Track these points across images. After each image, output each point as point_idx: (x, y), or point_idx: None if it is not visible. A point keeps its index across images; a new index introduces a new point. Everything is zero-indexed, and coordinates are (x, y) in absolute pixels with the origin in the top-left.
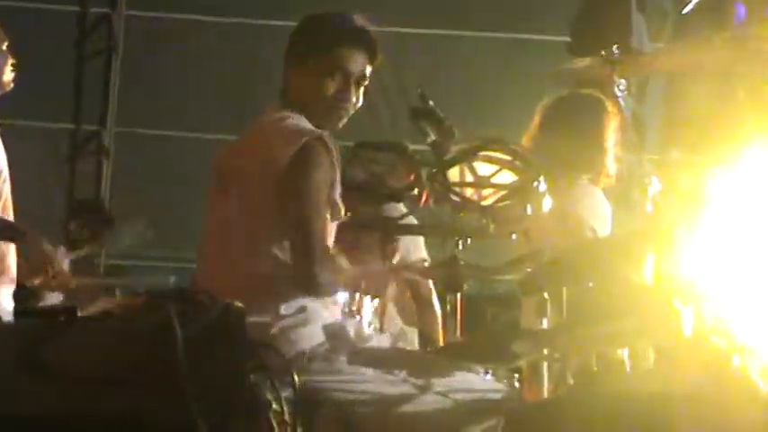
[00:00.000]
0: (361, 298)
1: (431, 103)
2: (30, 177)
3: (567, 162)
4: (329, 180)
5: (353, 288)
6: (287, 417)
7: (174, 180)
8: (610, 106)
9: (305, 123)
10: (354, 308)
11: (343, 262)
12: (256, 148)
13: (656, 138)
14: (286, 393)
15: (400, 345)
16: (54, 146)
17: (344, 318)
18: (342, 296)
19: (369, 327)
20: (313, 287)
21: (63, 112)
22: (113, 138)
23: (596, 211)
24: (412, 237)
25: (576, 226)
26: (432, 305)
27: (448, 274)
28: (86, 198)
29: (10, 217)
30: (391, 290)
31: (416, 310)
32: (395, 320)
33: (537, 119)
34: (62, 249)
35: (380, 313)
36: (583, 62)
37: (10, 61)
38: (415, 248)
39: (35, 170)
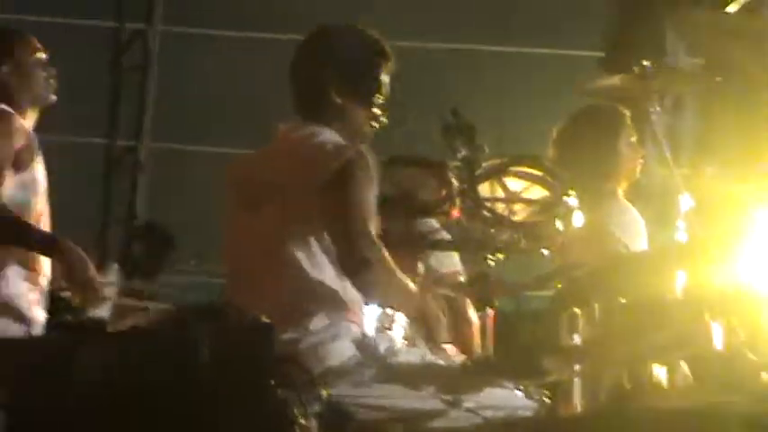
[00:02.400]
0: (393, 312)
1: (463, 118)
2: (66, 193)
3: (588, 175)
4: (374, 194)
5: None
6: None
7: (208, 195)
8: (625, 116)
9: (339, 138)
10: (387, 323)
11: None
12: (293, 163)
13: (692, 153)
14: (315, 409)
15: (430, 359)
16: (90, 161)
17: (376, 332)
18: (374, 310)
19: (401, 341)
20: (362, 267)
21: (99, 128)
22: (149, 153)
23: (629, 227)
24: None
25: (609, 242)
26: (467, 319)
27: (478, 289)
28: (147, 221)
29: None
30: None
31: (451, 323)
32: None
33: (555, 135)
34: (113, 266)
35: (415, 328)
36: (615, 78)
37: (47, 73)
38: (448, 262)
39: (71, 186)
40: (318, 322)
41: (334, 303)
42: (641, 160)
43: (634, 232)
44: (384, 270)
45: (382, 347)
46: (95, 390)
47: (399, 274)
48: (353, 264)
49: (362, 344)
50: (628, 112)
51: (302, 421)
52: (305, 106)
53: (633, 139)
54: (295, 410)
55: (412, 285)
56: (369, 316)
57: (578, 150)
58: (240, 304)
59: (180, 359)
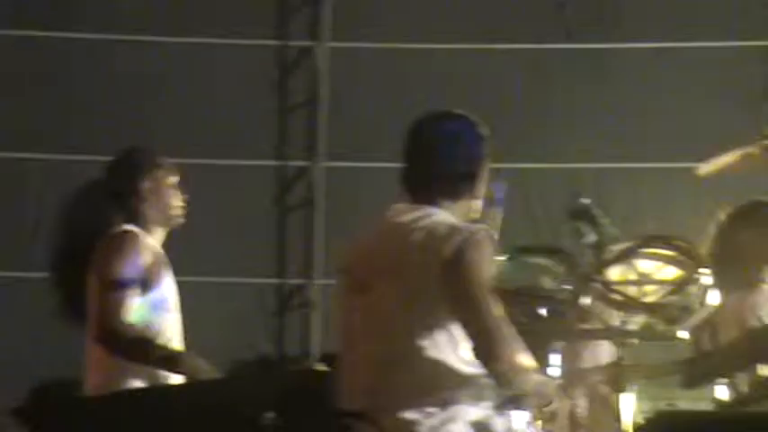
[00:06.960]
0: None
1: (589, 203)
2: (238, 330)
3: (751, 261)
4: (490, 271)
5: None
6: None
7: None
8: None
9: (451, 218)
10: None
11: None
12: (411, 245)
13: None
14: None
15: None
16: (261, 299)
17: (496, 414)
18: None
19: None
20: (495, 364)
21: (268, 268)
22: (320, 288)
23: None
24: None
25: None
26: (607, 405)
27: (612, 375)
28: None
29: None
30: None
31: (590, 409)
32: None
33: (725, 219)
34: None
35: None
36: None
37: (179, 197)
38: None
39: (243, 324)
40: (437, 403)
41: (454, 384)
42: None
43: None
44: (513, 362)
45: (500, 429)
46: None
47: (529, 365)
48: (486, 358)
49: (479, 425)
50: None
51: None
52: (429, 184)
53: None
54: None
55: (539, 376)
56: (491, 397)
57: (737, 248)
58: (355, 385)
59: None
